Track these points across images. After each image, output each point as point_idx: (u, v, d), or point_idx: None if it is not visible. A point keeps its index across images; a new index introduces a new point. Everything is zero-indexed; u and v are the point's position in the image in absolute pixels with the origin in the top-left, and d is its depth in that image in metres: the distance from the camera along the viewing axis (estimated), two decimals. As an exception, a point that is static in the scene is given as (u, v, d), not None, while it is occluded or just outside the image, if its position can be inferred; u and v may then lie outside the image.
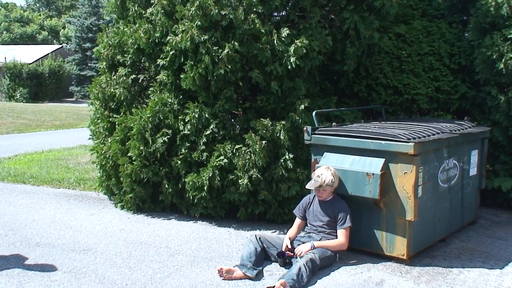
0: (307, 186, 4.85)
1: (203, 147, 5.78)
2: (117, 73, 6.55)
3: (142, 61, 6.49)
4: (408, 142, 4.49)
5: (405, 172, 4.53)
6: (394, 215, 4.67)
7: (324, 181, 4.69)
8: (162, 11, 5.86)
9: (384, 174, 4.58)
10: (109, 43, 6.60)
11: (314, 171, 4.90)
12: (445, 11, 7.29)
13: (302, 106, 5.61)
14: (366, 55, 6.52)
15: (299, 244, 4.67)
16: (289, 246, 4.67)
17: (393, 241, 4.70)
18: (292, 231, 4.90)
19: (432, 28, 7.06)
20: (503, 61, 5.97)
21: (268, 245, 4.70)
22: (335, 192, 4.81)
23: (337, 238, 4.70)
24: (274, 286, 4.03)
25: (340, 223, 4.68)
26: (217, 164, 5.62)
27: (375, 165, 4.63)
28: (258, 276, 4.38)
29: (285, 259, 4.59)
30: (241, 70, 5.67)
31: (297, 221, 4.96)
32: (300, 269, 4.21)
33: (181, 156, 5.85)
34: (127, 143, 6.17)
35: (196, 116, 5.72)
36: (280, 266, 4.59)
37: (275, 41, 5.49)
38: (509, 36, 5.98)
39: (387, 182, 4.61)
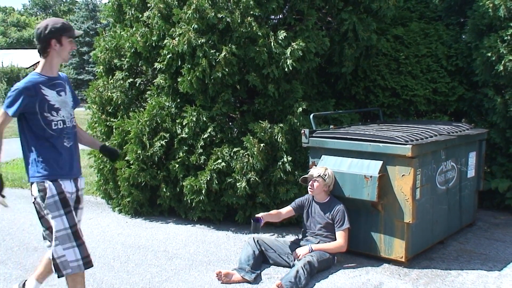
0: (300, 178, 4.89)
1: (201, 150, 5.77)
2: (114, 77, 6.55)
3: (139, 64, 6.49)
4: (406, 144, 4.48)
5: (403, 175, 4.53)
6: (392, 218, 4.66)
7: (317, 173, 4.71)
8: (159, 14, 5.86)
9: (382, 176, 4.58)
10: (106, 47, 6.60)
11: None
12: (442, 13, 7.30)
13: (300, 109, 5.61)
14: (364, 57, 6.53)
15: (297, 248, 4.66)
16: (268, 219, 4.70)
17: (392, 243, 4.70)
18: (280, 211, 4.90)
19: (429, 30, 7.07)
20: (502, 63, 5.98)
21: (266, 248, 4.69)
22: (332, 194, 4.80)
23: (333, 240, 4.69)
24: None
25: (338, 225, 4.67)
26: (215, 167, 5.61)
27: (373, 167, 4.63)
28: (257, 280, 4.37)
29: (258, 225, 4.54)
30: (238, 73, 5.67)
31: (288, 208, 4.93)
32: (298, 271, 4.20)
33: (178, 160, 5.84)
34: (124, 147, 6.16)
35: (194, 119, 5.71)
36: (251, 231, 4.54)
37: (272, 44, 5.49)
38: (505, 38, 5.99)
39: (385, 185, 4.61)
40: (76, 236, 3.31)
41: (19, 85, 3.28)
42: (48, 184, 3.30)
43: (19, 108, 3.25)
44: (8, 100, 3.28)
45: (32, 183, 3.35)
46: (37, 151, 3.35)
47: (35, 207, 3.40)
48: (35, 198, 3.34)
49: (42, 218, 3.41)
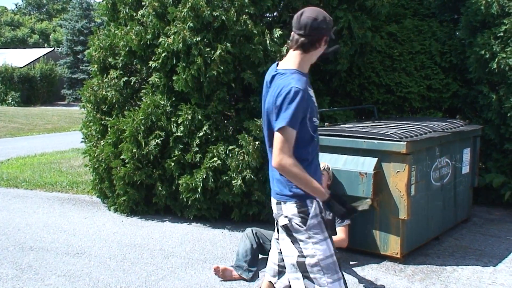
0: None
1: (196, 148, 5.77)
2: (109, 76, 6.53)
3: (134, 63, 6.47)
4: (401, 141, 4.50)
5: (398, 171, 4.54)
6: (387, 214, 4.68)
7: (322, 166, 4.69)
8: (154, 12, 5.85)
9: (377, 173, 4.59)
10: (101, 46, 6.58)
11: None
12: (436, 10, 7.32)
13: (295, 106, 5.61)
14: (358, 55, 6.53)
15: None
16: None
17: (387, 240, 4.71)
18: None
19: (423, 27, 7.09)
20: (496, 60, 6.00)
21: (264, 240, 4.70)
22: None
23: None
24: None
25: (339, 220, 4.67)
26: (210, 165, 5.62)
27: (368, 164, 4.64)
28: (253, 278, 4.38)
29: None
30: (233, 71, 5.67)
31: None
32: None
33: (174, 158, 5.84)
34: (119, 146, 6.15)
35: (189, 117, 5.71)
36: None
37: (267, 42, 5.49)
38: (499, 35, 6.02)
39: (380, 181, 4.62)
40: (340, 266, 2.76)
41: (296, 85, 2.60)
42: (311, 202, 2.72)
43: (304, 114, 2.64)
44: (291, 108, 2.57)
45: (286, 202, 2.72)
46: (301, 163, 2.69)
47: (288, 230, 2.73)
48: (289, 220, 2.71)
49: (293, 243, 2.73)
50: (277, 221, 2.79)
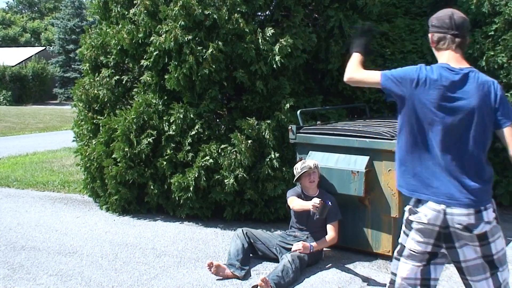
0: (295, 179, 4.82)
1: (188, 147, 5.77)
2: (101, 74, 6.51)
3: (126, 62, 6.46)
4: (392, 139, 4.51)
5: (390, 170, 4.56)
6: (379, 212, 4.70)
7: (313, 164, 4.72)
8: (145, 11, 5.84)
9: (368, 171, 4.61)
10: (92, 44, 6.56)
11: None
12: (428, 8, 7.34)
13: (287, 105, 5.63)
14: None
15: (285, 243, 4.67)
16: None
17: (379, 238, 4.73)
18: None
19: (415, 26, 7.11)
20: (484, 58, 6.04)
21: (255, 240, 4.71)
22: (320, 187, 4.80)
23: (322, 235, 4.69)
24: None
25: (330, 218, 4.68)
26: (202, 164, 5.61)
27: (359, 163, 4.65)
28: (246, 276, 4.39)
29: (327, 207, 4.39)
30: (225, 70, 5.67)
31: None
32: (285, 265, 4.23)
33: (166, 157, 5.83)
34: (111, 145, 6.13)
35: (181, 116, 5.70)
36: (318, 214, 4.36)
37: (259, 41, 5.50)
38: (489, 33, 6.05)
39: (371, 180, 4.64)
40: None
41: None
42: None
43: None
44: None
45: (488, 207, 2.62)
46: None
47: (484, 236, 2.60)
48: (489, 223, 2.62)
49: (481, 246, 2.63)
50: (471, 230, 2.59)
